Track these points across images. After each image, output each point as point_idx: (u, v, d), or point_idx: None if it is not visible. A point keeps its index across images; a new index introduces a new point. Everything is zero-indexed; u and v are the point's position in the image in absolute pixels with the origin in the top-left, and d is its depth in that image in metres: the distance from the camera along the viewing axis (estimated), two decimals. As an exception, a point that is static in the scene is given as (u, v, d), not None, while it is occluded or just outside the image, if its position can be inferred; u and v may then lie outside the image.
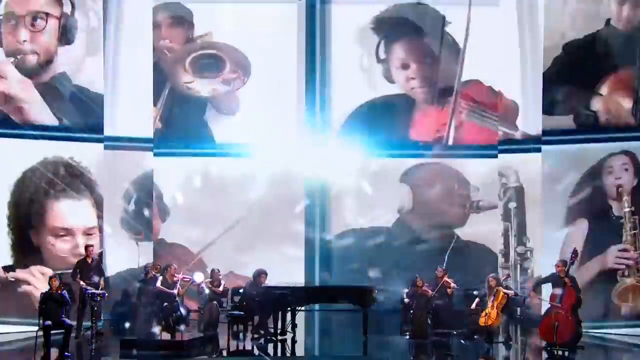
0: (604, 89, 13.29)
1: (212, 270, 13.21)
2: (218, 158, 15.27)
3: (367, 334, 11.96)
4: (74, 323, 11.98)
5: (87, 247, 13.02)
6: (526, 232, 14.15)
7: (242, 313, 12.61)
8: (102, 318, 12.98)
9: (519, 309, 12.30)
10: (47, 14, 13.43)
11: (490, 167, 14.60)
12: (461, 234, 14.88)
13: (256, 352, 11.46)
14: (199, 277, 12.82)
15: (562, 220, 13.35)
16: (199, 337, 12.19)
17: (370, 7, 15.08)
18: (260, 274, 12.70)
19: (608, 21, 13.24)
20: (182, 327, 12.26)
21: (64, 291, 11.18)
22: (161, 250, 14.76)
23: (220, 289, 12.90)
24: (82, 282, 12.43)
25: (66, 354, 10.79)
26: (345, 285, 12.77)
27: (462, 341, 12.20)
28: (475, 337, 12.28)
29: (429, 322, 12.38)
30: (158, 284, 12.45)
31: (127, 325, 13.26)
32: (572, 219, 13.31)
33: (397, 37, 15.17)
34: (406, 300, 12.88)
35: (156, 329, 12.34)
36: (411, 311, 12.67)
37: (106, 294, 12.51)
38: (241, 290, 12.99)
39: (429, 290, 12.52)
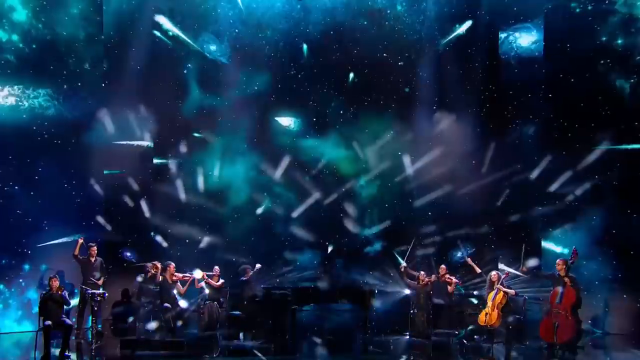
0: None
1: (214, 268, 13.25)
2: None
3: (367, 334, 11.96)
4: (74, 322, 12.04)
5: (90, 247, 13.03)
6: None
7: (241, 313, 12.63)
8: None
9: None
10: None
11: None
12: None
13: (255, 352, 11.46)
14: (198, 274, 12.88)
15: None
16: (199, 337, 12.20)
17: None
18: (245, 269, 13.02)
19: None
20: (180, 323, 12.27)
21: (65, 292, 11.21)
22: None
23: (219, 283, 12.96)
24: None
25: (66, 354, 10.81)
26: (345, 286, 12.76)
27: (465, 341, 12.18)
28: (475, 337, 12.28)
29: (429, 322, 12.39)
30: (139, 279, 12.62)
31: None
32: None
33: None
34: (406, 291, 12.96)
35: (153, 325, 12.38)
36: (411, 311, 12.69)
37: (106, 294, 12.53)
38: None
39: (431, 278, 12.60)
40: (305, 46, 15.62)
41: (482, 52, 15.24)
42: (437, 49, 15.39)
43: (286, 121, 15.83)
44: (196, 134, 15.41)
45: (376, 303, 12.55)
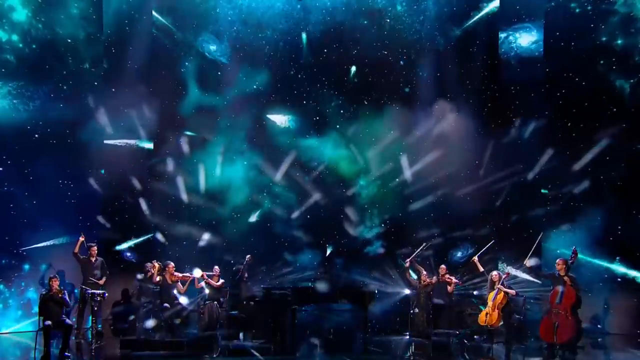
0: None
1: (214, 267, 13.26)
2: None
3: (367, 334, 11.96)
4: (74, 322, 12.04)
5: (90, 247, 13.03)
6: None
7: (238, 312, 12.64)
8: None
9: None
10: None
11: None
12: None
13: (255, 352, 11.47)
14: (197, 272, 12.91)
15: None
16: (199, 337, 12.20)
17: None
18: (239, 269, 13.22)
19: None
20: (178, 321, 12.25)
21: (65, 294, 11.21)
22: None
23: (219, 283, 12.98)
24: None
25: (66, 354, 10.81)
26: (345, 286, 12.77)
27: (466, 341, 12.20)
28: (475, 337, 12.29)
29: (429, 322, 12.41)
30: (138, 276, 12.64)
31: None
32: None
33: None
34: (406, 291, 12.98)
35: (151, 322, 12.39)
36: (411, 311, 12.70)
37: (106, 294, 12.53)
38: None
39: (432, 279, 12.63)
40: (304, 36, 15.58)
41: (482, 52, 15.25)
42: (438, 48, 15.40)
43: (281, 119, 15.80)
44: (188, 132, 15.36)
45: (376, 305, 12.55)
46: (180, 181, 15.22)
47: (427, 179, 15.01)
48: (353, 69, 15.59)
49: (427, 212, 15.05)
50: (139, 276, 13.36)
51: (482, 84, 15.16)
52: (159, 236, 14.93)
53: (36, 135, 13.87)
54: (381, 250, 14.94)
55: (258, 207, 15.29)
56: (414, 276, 13.07)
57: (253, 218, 15.24)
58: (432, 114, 15.19)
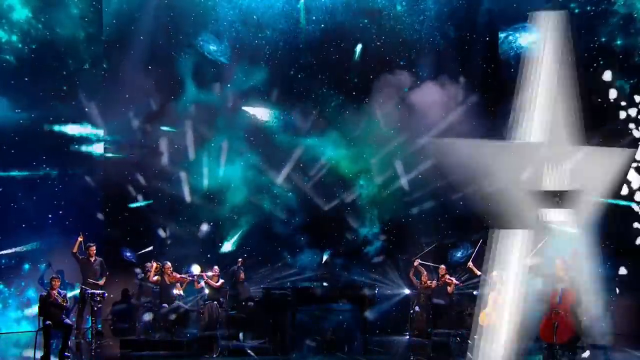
0: None
1: (213, 267, 13.27)
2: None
3: (367, 334, 11.97)
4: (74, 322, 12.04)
5: (89, 247, 13.02)
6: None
7: (238, 312, 12.64)
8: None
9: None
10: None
11: None
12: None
13: (255, 352, 11.48)
14: (196, 269, 12.92)
15: None
16: (199, 337, 12.21)
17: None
18: (233, 271, 13.22)
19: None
20: (173, 316, 12.24)
21: (66, 297, 11.21)
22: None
23: (219, 283, 12.99)
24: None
25: (66, 354, 10.81)
26: (345, 286, 12.78)
27: (469, 341, 12.20)
28: (475, 337, 12.29)
29: (429, 322, 12.42)
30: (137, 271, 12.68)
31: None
32: None
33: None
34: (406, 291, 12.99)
35: (147, 316, 12.39)
36: (411, 311, 12.71)
37: (106, 294, 12.53)
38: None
39: (432, 283, 12.62)
40: (302, 2, 15.54)
41: (482, 52, 15.25)
42: (438, 48, 15.40)
43: (261, 112, 15.72)
44: (164, 128, 15.28)
45: (376, 306, 12.58)
46: (179, 180, 15.23)
47: (428, 178, 15.01)
48: (359, 47, 15.54)
49: (428, 213, 15.06)
50: (138, 270, 13.36)
51: (483, 83, 15.16)
52: (161, 233, 14.95)
53: (35, 135, 13.86)
54: (381, 253, 14.94)
55: (239, 229, 15.18)
56: (416, 277, 13.08)
57: (227, 247, 15.12)
58: (432, 114, 15.18)
